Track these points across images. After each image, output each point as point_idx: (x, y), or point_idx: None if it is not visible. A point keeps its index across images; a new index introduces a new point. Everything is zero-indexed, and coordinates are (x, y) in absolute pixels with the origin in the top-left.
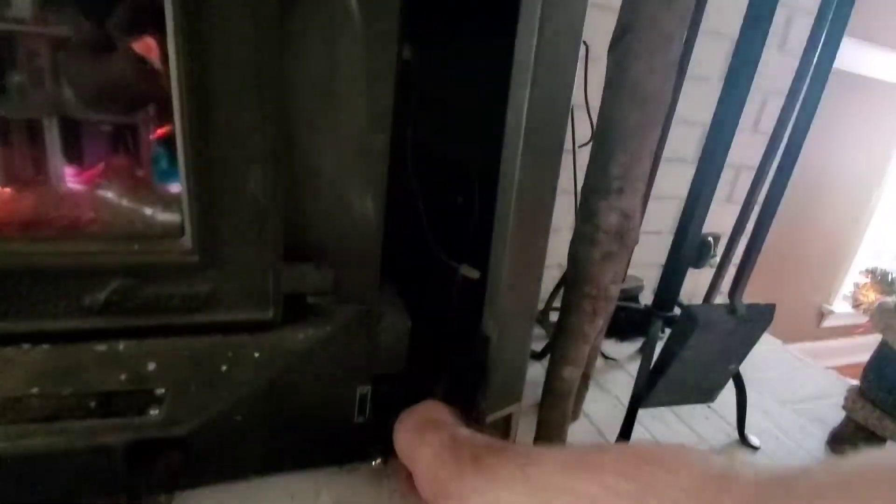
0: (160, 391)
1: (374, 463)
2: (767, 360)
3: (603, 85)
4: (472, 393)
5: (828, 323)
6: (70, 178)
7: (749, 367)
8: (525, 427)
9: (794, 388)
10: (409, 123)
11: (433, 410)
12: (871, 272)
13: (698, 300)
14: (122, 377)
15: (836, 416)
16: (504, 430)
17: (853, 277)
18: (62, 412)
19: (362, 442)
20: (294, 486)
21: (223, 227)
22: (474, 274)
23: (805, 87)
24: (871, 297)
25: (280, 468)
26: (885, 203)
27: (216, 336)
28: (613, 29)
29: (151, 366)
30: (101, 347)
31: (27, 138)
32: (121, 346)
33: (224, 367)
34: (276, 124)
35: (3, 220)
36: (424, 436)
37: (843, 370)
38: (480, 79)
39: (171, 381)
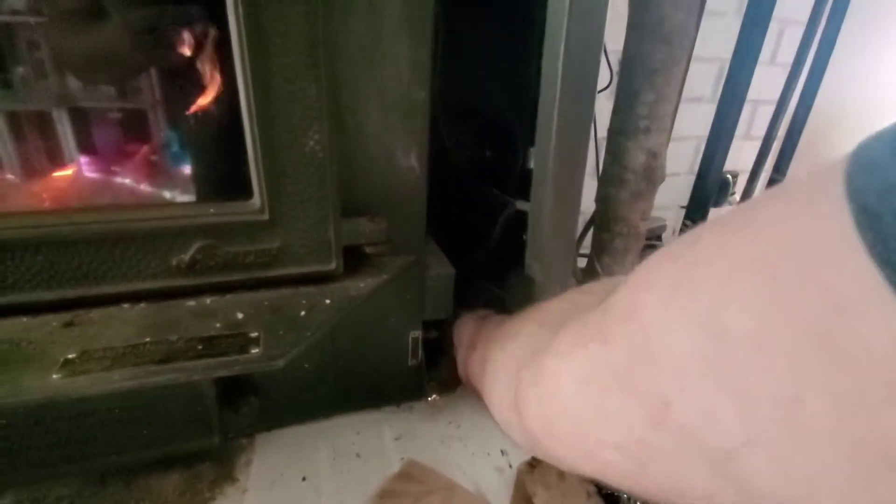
0: (254, 334)
1: (429, 399)
2: None
3: (619, 27)
4: None
5: None
6: (86, 168)
7: None
8: None
9: None
10: (435, 75)
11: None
12: None
13: None
14: (217, 325)
15: None
16: None
17: None
18: (176, 354)
19: (417, 382)
20: (359, 425)
21: (288, 186)
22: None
23: (826, 14)
24: None
25: (345, 410)
26: None
27: (289, 288)
28: None
29: (240, 315)
30: (192, 303)
31: (38, 131)
32: (208, 300)
33: (302, 313)
34: (328, 84)
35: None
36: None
37: None
38: (504, 31)
39: (261, 326)
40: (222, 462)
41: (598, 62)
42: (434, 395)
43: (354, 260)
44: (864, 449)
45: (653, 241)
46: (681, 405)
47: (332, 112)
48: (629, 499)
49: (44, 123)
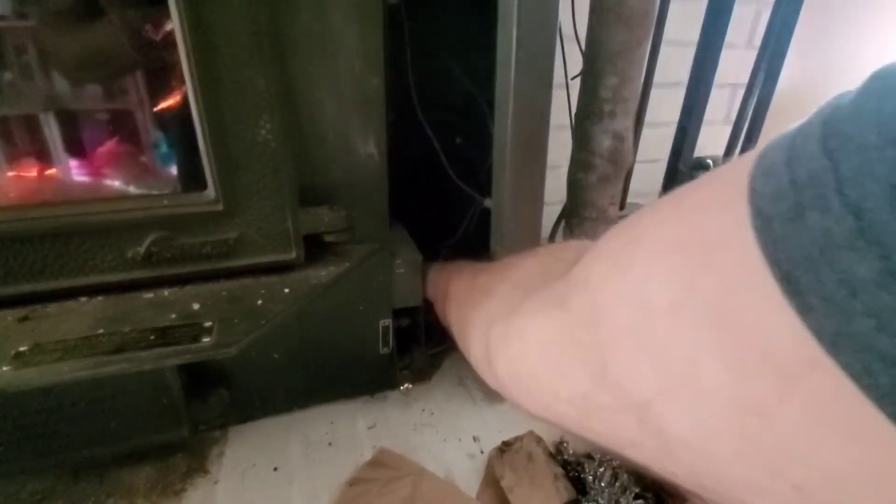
0: (208, 324)
1: (402, 388)
2: None
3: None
4: None
5: None
6: (75, 171)
7: None
8: None
9: None
10: (407, 67)
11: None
12: None
13: None
14: (173, 315)
15: None
16: None
17: None
18: (128, 345)
19: (390, 371)
20: (332, 415)
21: (242, 176)
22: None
23: None
24: None
25: (318, 401)
26: None
27: (249, 278)
28: None
29: (196, 305)
30: (149, 295)
31: (27, 134)
32: (166, 292)
33: (259, 302)
34: (276, 72)
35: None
36: (443, 271)
37: None
38: (467, 18)
39: (216, 316)
40: (194, 454)
41: (552, 48)
42: (407, 385)
43: (317, 249)
44: (743, 405)
45: None
46: (615, 366)
47: (284, 102)
48: (594, 479)
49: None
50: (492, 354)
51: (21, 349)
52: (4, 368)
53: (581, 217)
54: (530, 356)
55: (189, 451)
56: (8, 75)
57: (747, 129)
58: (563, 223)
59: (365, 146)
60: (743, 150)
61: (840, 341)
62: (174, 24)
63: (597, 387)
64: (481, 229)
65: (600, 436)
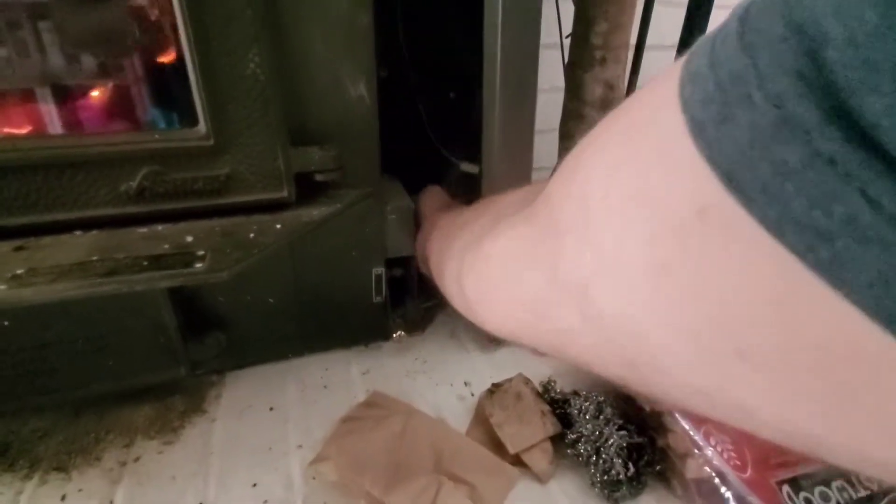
0: (200, 252)
1: (395, 335)
2: None
3: None
4: None
5: None
6: (67, 110)
7: None
8: None
9: None
10: (399, 23)
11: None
12: None
13: None
14: (166, 246)
15: None
16: None
17: None
18: (121, 269)
19: (383, 320)
20: (327, 362)
21: (231, 111)
22: (474, 169)
23: None
24: None
25: (314, 349)
26: None
27: (241, 216)
28: None
29: (189, 238)
30: (143, 230)
31: (22, 108)
32: (159, 227)
33: (252, 235)
34: (263, 5)
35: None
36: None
37: None
38: None
39: (209, 247)
40: (192, 396)
41: (538, 9)
42: (400, 332)
43: (308, 191)
44: (658, 267)
45: None
46: (564, 262)
47: (272, 36)
48: (579, 413)
49: None
50: (462, 277)
51: (17, 272)
52: (1, 287)
53: None
54: (494, 270)
55: (187, 393)
56: None
57: None
58: None
59: (355, 88)
60: None
61: (782, 225)
62: None
63: (548, 287)
64: (466, 192)
65: (552, 339)
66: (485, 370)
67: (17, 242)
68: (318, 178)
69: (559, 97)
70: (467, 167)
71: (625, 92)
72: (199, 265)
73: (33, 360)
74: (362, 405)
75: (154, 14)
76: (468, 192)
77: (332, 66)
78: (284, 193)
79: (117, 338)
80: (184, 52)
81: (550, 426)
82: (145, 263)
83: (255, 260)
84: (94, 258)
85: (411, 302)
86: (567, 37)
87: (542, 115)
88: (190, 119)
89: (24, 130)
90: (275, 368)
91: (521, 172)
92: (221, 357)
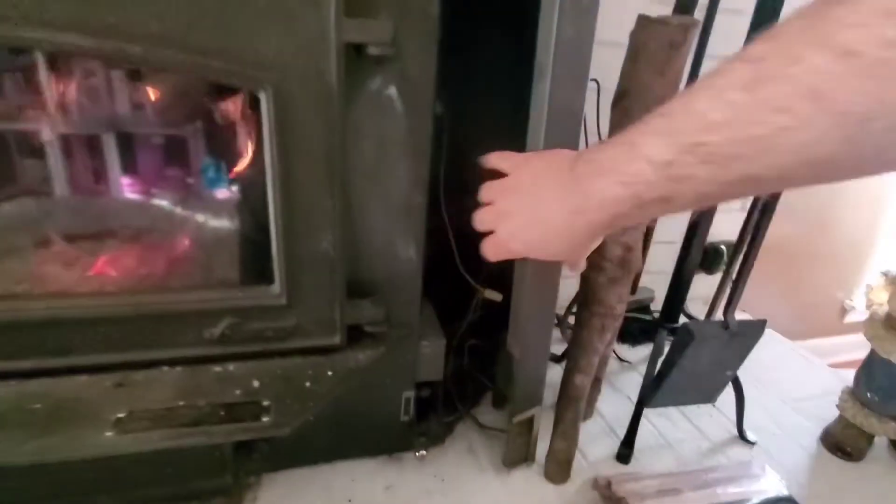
0: (266, 402)
1: (417, 454)
2: (774, 359)
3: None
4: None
5: (851, 318)
6: (127, 188)
7: (755, 366)
8: (546, 422)
9: (796, 386)
10: (441, 164)
11: None
12: (885, 274)
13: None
14: (237, 392)
15: (833, 414)
16: (528, 428)
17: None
18: (203, 419)
19: (408, 436)
20: (354, 471)
21: (304, 277)
22: (497, 297)
23: None
24: (882, 297)
25: (343, 456)
26: None
27: (298, 358)
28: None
29: (256, 383)
30: (218, 369)
31: (87, 151)
32: (231, 367)
33: (308, 384)
34: (342, 198)
35: (138, 276)
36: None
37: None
38: (502, 120)
39: (273, 395)
40: (232, 498)
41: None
42: (422, 451)
43: (356, 332)
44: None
45: (641, 312)
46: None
47: (343, 217)
48: None
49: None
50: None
51: (119, 416)
52: (108, 434)
53: (591, 311)
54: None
55: (228, 494)
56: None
57: (759, 215)
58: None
59: (406, 251)
60: (755, 237)
61: None
62: (265, 157)
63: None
64: (487, 319)
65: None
66: (499, 495)
67: (117, 377)
68: (367, 329)
69: None
70: (490, 294)
71: (641, 251)
72: (265, 419)
73: (108, 463)
74: None
75: (253, 207)
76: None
77: (388, 234)
78: (337, 340)
79: (181, 450)
80: (271, 231)
81: None
82: (222, 413)
83: (311, 413)
84: (181, 403)
85: (435, 419)
86: None
87: None
88: (267, 279)
89: (139, 288)
90: (307, 474)
91: (546, 304)
92: (261, 461)
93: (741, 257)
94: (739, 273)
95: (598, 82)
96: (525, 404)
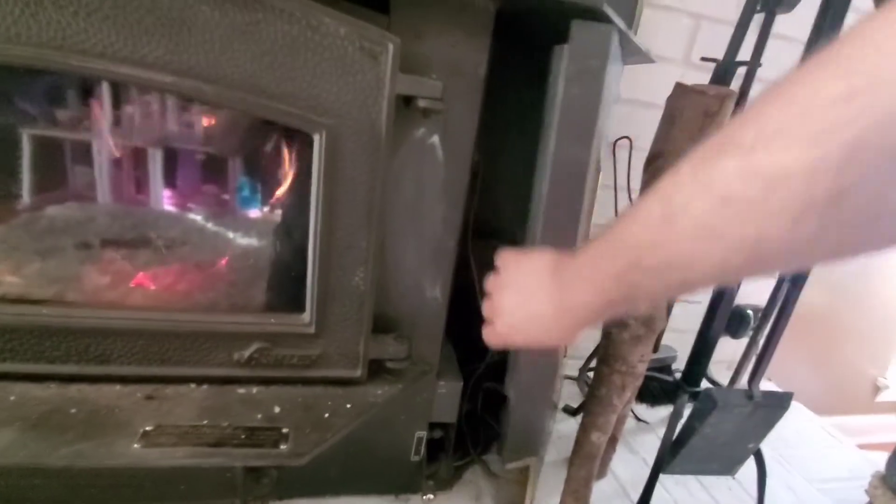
0: (285, 430)
1: (424, 497)
2: (800, 436)
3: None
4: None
5: (884, 397)
6: (165, 200)
7: (780, 442)
8: (557, 478)
9: (823, 466)
10: (472, 206)
11: None
12: None
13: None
14: (259, 416)
15: (861, 499)
16: (525, 477)
17: None
18: (225, 440)
19: (416, 477)
20: None
21: (333, 309)
22: None
23: None
24: None
25: (350, 492)
26: None
27: (319, 387)
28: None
29: (277, 409)
30: (242, 391)
31: (133, 163)
32: (254, 390)
33: (327, 415)
34: (378, 236)
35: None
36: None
37: None
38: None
39: (292, 423)
40: None
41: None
42: (430, 496)
43: (376, 366)
44: None
45: (662, 372)
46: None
47: (377, 255)
48: None
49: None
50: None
51: (148, 428)
52: (136, 446)
53: (611, 367)
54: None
55: None
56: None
57: (790, 284)
58: (592, 362)
59: (432, 290)
60: (785, 305)
61: None
62: (312, 192)
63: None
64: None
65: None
66: None
67: (149, 389)
68: (389, 365)
69: None
70: None
71: (665, 311)
72: (283, 447)
73: (128, 475)
74: None
75: (292, 237)
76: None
77: (416, 274)
78: (358, 374)
79: (196, 468)
80: (308, 262)
81: None
82: (243, 437)
83: (328, 445)
84: (205, 422)
85: (445, 462)
86: None
87: None
88: (298, 307)
89: (179, 306)
90: None
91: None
92: (270, 487)
93: (770, 324)
94: (767, 341)
95: (630, 139)
96: (518, 451)
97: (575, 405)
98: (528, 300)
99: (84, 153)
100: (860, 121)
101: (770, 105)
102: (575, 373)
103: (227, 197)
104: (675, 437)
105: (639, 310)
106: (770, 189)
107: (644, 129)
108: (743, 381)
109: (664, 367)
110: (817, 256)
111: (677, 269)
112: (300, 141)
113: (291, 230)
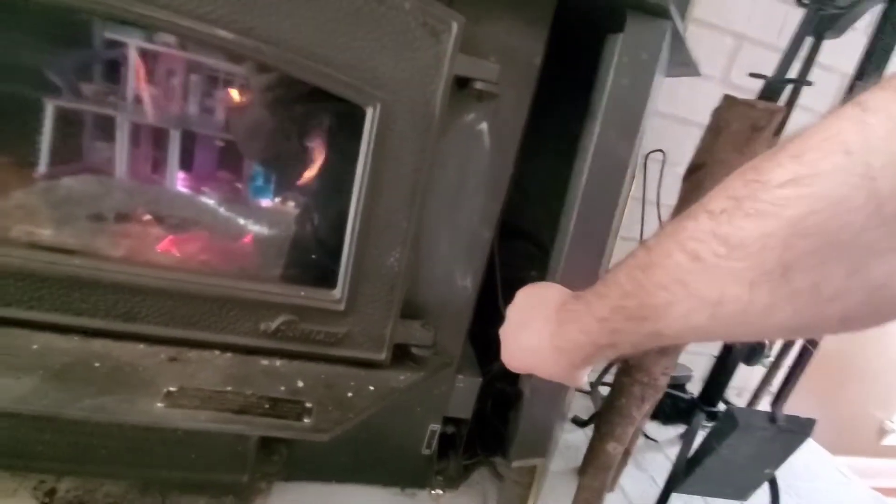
0: (309, 404)
1: (432, 492)
2: (812, 470)
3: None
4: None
5: (890, 441)
6: (179, 182)
7: (791, 475)
8: (565, 488)
9: (835, 502)
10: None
11: None
12: None
13: (748, 394)
14: (282, 388)
15: None
16: (529, 478)
17: None
18: (248, 408)
19: (425, 472)
20: (365, 498)
21: (365, 288)
22: None
23: None
24: None
25: (357, 480)
26: None
27: (342, 367)
28: (692, 157)
29: (300, 383)
30: (265, 362)
31: (152, 142)
32: (278, 363)
33: (350, 395)
34: (418, 220)
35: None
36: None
37: None
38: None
39: (315, 398)
40: (241, 499)
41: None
42: (438, 490)
43: (399, 351)
44: None
45: (676, 390)
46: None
47: (415, 237)
48: None
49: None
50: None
51: (171, 389)
52: (159, 405)
53: (632, 378)
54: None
55: (238, 495)
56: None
57: None
58: (610, 368)
59: (463, 281)
60: (805, 343)
61: None
62: (358, 166)
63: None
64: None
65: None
66: None
67: (172, 352)
68: (414, 351)
69: None
70: None
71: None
72: (307, 420)
73: (138, 439)
74: None
75: (331, 211)
76: None
77: (449, 263)
78: (382, 357)
79: (208, 437)
80: (346, 238)
81: None
82: (266, 406)
83: (350, 425)
84: (229, 389)
85: (455, 460)
86: None
87: None
88: (329, 283)
89: (210, 269)
90: (318, 490)
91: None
92: (279, 465)
93: (799, 348)
94: (794, 366)
95: (663, 153)
96: (527, 451)
97: (585, 417)
98: (527, 332)
99: (138, 118)
100: (801, 203)
101: (740, 178)
102: (587, 387)
103: (266, 171)
104: (690, 455)
105: (624, 356)
106: (731, 254)
107: (678, 144)
108: (760, 405)
109: (678, 385)
110: (774, 327)
111: (650, 320)
112: (349, 114)
113: (330, 204)
